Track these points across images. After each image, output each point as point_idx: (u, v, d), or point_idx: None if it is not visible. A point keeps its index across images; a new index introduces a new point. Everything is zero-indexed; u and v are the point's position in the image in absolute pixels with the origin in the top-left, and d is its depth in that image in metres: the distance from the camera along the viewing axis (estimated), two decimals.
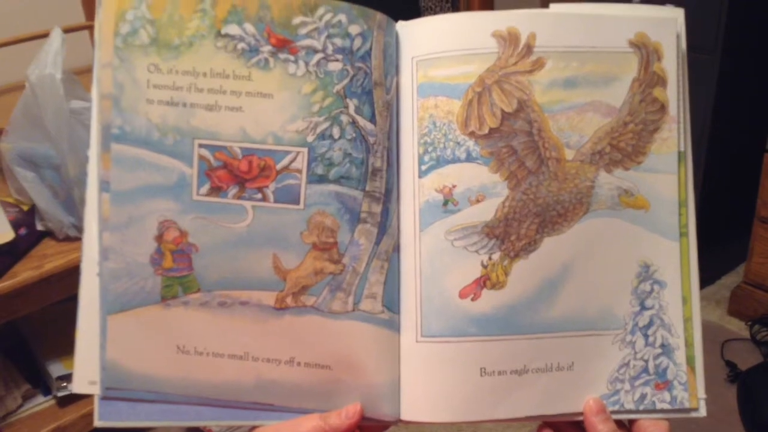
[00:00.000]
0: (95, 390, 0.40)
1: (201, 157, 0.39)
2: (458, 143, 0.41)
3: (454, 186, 0.41)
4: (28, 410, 1.16)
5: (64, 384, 1.13)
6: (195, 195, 0.39)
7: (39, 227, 1.09)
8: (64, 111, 0.95)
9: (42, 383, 1.18)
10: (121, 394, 0.39)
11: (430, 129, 0.41)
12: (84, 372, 0.40)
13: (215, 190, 0.39)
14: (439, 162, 0.41)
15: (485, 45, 0.41)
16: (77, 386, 0.41)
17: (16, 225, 1.04)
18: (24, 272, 1.03)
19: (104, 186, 0.39)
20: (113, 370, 0.39)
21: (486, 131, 0.41)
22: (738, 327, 1.53)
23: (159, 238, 0.39)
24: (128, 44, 0.39)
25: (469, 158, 0.41)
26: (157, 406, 0.40)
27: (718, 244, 1.63)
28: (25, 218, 1.07)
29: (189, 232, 0.39)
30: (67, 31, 1.01)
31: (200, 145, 0.39)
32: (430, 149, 0.41)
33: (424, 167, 0.41)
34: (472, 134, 0.41)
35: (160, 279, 0.39)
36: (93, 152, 0.40)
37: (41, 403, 1.16)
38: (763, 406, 1.26)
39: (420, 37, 0.42)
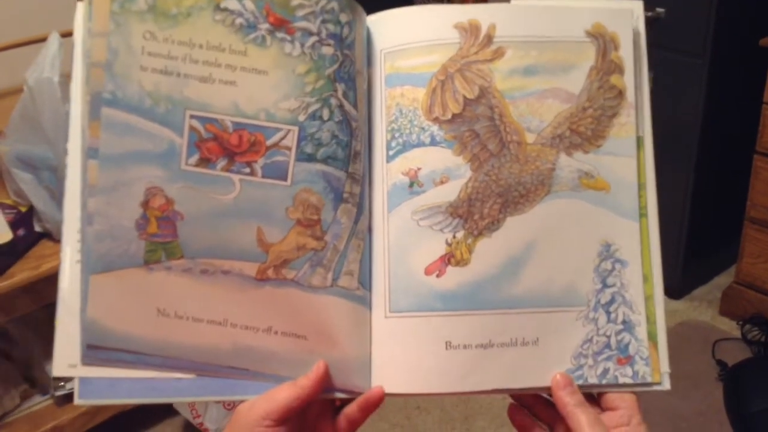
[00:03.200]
0: (75, 372, 0.41)
1: (192, 128, 0.41)
2: (423, 128, 0.44)
3: (419, 169, 0.44)
4: (26, 410, 1.19)
5: (62, 383, 1.15)
6: (183, 164, 0.41)
7: (37, 228, 1.13)
8: (62, 114, 0.98)
9: (40, 383, 1.19)
10: (102, 354, 0.41)
11: (396, 116, 0.44)
12: (63, 355, 0.42)
13: (204, 161, 0.41)
14: (405, 147, 0.44)
15: (448, 36, 0.44)
16: (57, 369, 0.42)
17: (14, 226, 1.07)
18: (22, 272, 1.06)
19: (91, 153, 0.40)
20: (93, 328, 0.41)
21: (449, 117, 0.44)
22: (729, 327, 1.55)
23: (145, 203, 0.41)
24: (125, 9, 0.40)
25: (434, 142, 0.44)
26: (137, 383, 0.42)
27: (710, 246, 1.68)
28: (23, 219, 1.11)
29: (175, 200, 0.41)
30: (64, 35, 1.05)
31: (192, 116, 0.41)
32: (396, 135, 0.44)
33: (391, 152, 0.44)
34: (436, 120, 0.44)
35: (144, 243, 0.41)
36: (77, 124, 0.42)
37: (39, 402, 1.20)
38: (748, 399, 1.29)
39: (387, 30, 0.46)
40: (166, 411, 1.33)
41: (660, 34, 1.45)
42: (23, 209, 1.12)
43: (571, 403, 0.42)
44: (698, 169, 1.55)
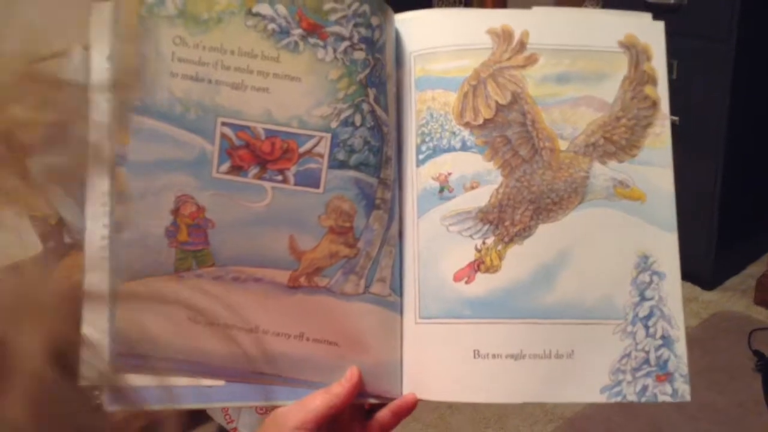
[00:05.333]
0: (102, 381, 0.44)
1: (223, 135, 0.40)
2: (454, 133, 0.44)
3: (449, 173, 0.43)
4: None
5: (95, 393, 1.20)
6: (215, 172, 0.40)
7: (66, 240, 1.13)
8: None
9: None
10: (131, 361, 0.39)
11: (427, 120, 0.44)
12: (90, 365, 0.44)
13: (236, 169, 0.41)
14: (436, 151, 0.44)
15: (480, 41, 0.44)
16: (84, 378, 0.45)
17: (43, 238, 1.07)
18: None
19: (119, 160, 0.40)
20: (123, 336, 0.40)
21: (481, 122, 0.44)
22: (765, 316, 1.50)
23: (175, 211, 0.40)
24: (154, 14, 0.40)
25: (464, 147, 0.44)
26: (165, 391, 0.39)
27: (742, 234, 1.68)
28: (53, 232, 1.12)
29: (207, 207, 0.40)
30: (87, 49, 1.07)
31: (223, 123, 0.40)
32: (427, 139, 0.44)
33: (421, 156, 0.44)
34: (467, 125, 0.44)
35: (174, 251, 0.40)
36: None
37: None
38: None
39: (417, 32, 0.45)
40: (200, 417, 1.33)
41: (684, 22, 1.43)
42: (52, 222, 1.13)
43: None
44: (727, 156, 1.52)
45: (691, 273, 1.65)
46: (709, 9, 1.44)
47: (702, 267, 1.65)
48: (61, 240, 1.15)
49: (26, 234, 1.02)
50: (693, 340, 1.12)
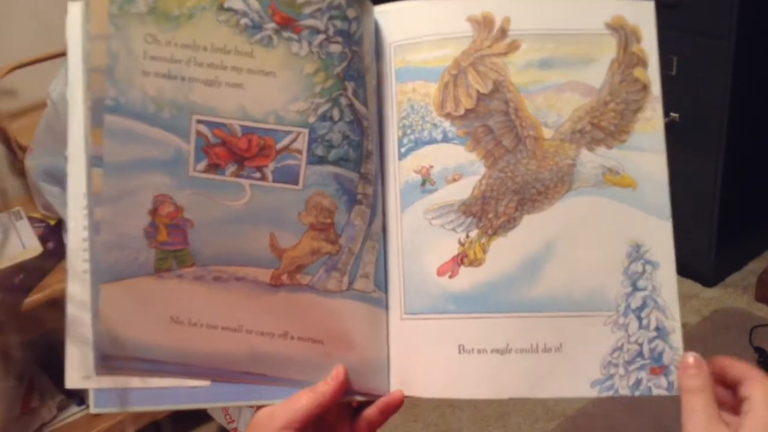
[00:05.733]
0: (89, 384, 0.41)
1: (199, 133, 0.40)
2: (435, 125, 0.43)
3: (431, 166, 0.43)
4: (63, 420, 1.23)
5: None
6: (192, 171, 0.40)
7: (66, 241, 1.19)
8: None
9: (75, 393, 1.21)
10: (115, 363, 0.40)
11: (408, 112, 0.43)
12: (76, 368, 0.41)
13: (213, 167, 0.40)
14: (417, 144, 0.43)
15: (460, 29, 0.43)
16: (70, 382, 0.41)
17: (43, 239, 1.09)
18: (53, 285, 1.09)
19: (96, 161, 0.39)
20: (106, 337, 0.40)
21: (462, 112, 0.43)
22: (766, 313, 1.48)
23: (153, 212, 0.40)
24: (124, 12, 0.39)
25: (446, 139, 0.43)
26: (151, 390, 0.41)
27: (743, 231, 1.64)
28: (53, 232, 1.14)
29: (185, 207, 0.40)
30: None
31: (198, 121, 0.40)
32: (408, 132, 0.43)
33: (403, 149, 0.43)
34: (448, 115, 0.43)
35: (154, 252, 0.40)
36: (78, 130, 0.41)
37: (75, 413, 1.23)
38: None
39: (397, 23, 0.44)
40: (200, 417, 1.34)
41: (684, 18, 1.40)
42: (52, 222, 1.15)
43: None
44: (728, 153, 1.50)
45: (691, 270, 1.63)
46: (709, 5, 1.41)
47: (703, 264, 1.62)
48: (61, 241, 1.16)
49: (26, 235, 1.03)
50: (694, 337, 1.10)
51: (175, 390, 0.42)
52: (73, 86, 0.42)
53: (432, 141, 0.43)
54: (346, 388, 0.42)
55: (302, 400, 0.40)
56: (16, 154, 1.24)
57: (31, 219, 1.14)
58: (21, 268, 1.08)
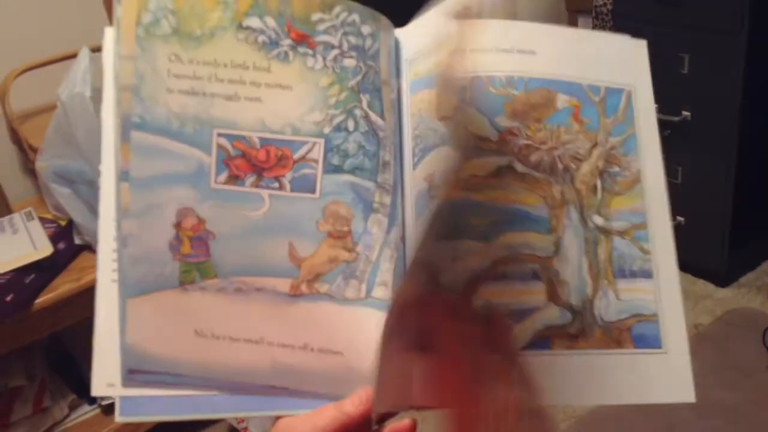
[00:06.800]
0: (114, 392, 0.42)
1: (220, 146, 0.41)
2: (435, 130, 0.44)
3: (434, 172, 0.43)
4: (75, 419, 1.26)
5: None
6: (213, 183, 0.41)
7: (77, 241, 1.18)
8: (95, 128, 1.02)
9: (87, 393, 1.21)
10: (142, 377, 0.42)
11: (419, 122, 0.44)
12: (102, 375, 0.42)
13: (233, 179, 0.42)
14: (424, 152, 0.44)
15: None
16: (96, 389, 0.42)
17: (54, 240, 1.11)
18: (64, 285, 1.11)
19: (123, 176, 0.41)
20: (134, 352, 0.41)
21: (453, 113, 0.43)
22: None
23: (177, 225, 0.41)
24: (150, 34, 0.41)
25: (443, 143, 0.43)
26: (175, 399, 0.42)
27: (756, 230, 1.66)
28: (64, 233, 1.16)
29: (206, 219, 0.41)
30: (94, 50, 1.08)
31: (219, 134, 0.41)
32: (419, 141, 0.44)
33: (416, 159, 0.44)
34: (443, 118, 0.44)
35: (179, 264, 0.41)
36: (109, 146, 0.42)
37: (87, 412, 1.26)
38: None
39: (412, 39, 0.45)
40: None
41: (693, 15, 1.40)
42: (63, 223, 1.16)
43: None
44: (741, 152, 1.50)
45: (705, 270, 1.64)
46: (720, 1, 1.40)
47: (716, 264, 1.63)
48: (72, 241, 1.19)
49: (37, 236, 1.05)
50: (706, 338, 1.11)
51: (198, 399, 0.43)
52: (108, 105, 0.43)
53: (433, 147, 0.44)
54: (370, 409, 0.42)
55: (326, 418, 0.40)
56: (28, 155, 1.26)
57: (42, 219, 1.15)
58: (32, 268, 1.11)
